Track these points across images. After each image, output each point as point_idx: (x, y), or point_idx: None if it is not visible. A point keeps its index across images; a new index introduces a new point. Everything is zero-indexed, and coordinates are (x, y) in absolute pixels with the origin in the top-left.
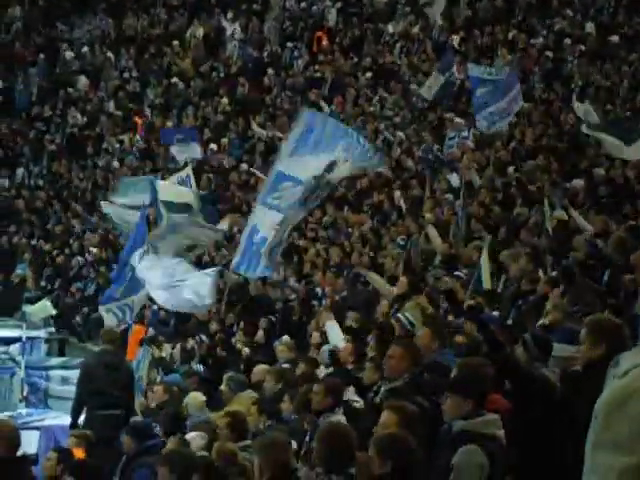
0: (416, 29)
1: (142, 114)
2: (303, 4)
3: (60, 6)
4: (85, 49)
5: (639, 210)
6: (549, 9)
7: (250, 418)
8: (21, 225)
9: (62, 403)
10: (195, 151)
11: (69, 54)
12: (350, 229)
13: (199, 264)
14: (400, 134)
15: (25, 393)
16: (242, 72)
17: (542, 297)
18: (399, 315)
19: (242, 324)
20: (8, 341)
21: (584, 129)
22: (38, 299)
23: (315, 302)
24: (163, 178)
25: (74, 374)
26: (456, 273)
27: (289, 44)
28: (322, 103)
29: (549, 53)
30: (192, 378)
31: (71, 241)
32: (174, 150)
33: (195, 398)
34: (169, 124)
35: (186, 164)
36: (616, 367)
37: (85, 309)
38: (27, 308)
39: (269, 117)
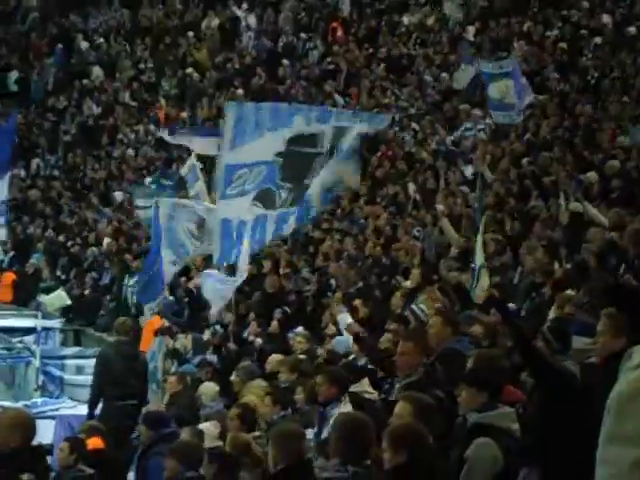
0: (431, 20)
1: (160, 105)
2: None
3: None
4: (101, 40)
5: None
6: (565, 0)
7: (265, 409)
8: (35, 215)
9: (78, 391)
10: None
11: (84, 44)
12: (365, 220)
13: None
14: (414, 125)
15: (40, 382)
16: (257, 63)
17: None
18: (413, 307)
19: (255, 315)
20: (23, 331)
21: None
22: (53, 289)
23: (329, 294)
24: (178, 168)
25: (89, 363)
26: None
27: (303, 35)
28: (336, 96)
29: (564, 45)
30: (206, 368)
31: (86, 232)
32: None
33: (209, 388)
34: (183, 115)
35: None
36: (629, 360)
37: (105, 299)
38: (42, 298)
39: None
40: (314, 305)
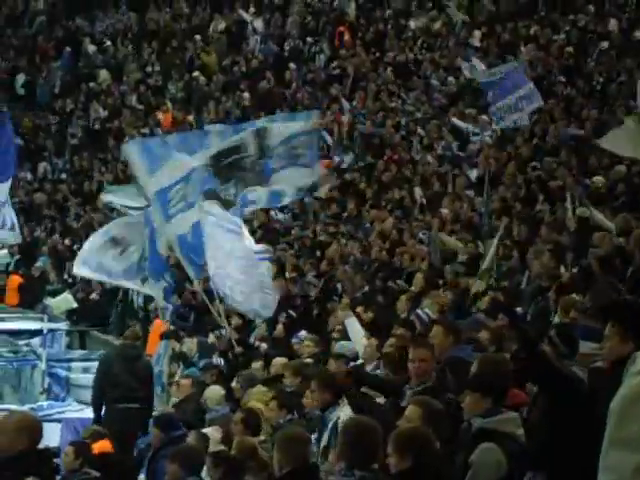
0: (438, 25)
1: (164, 108)
2: None
3: (83, 0)
4: (108, 43)
5: None
6: (572, 5)
7: (270, 413)
8: (42, 218)
9: (84, 392)
10: None
11: (92, 48)
12: (370, 224)
13: None
14: (420, 131)
15: (46, 385)
16: (263, 67)
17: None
18: (418, 311)
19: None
20: (29, 333)
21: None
22: (59, 292)
23: (335, 298)
24: None
25: (95, 365)
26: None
27: (310, 39)
28: (343, 101)
29: (571, 49)
30: (210, 371)
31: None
32: None
33: (214, 392)
34: (190, 118)
35: None
36: (633, 364)
37: (115, 301)
38: (48, 301)
39: (290, 112)
40: (319, 309)
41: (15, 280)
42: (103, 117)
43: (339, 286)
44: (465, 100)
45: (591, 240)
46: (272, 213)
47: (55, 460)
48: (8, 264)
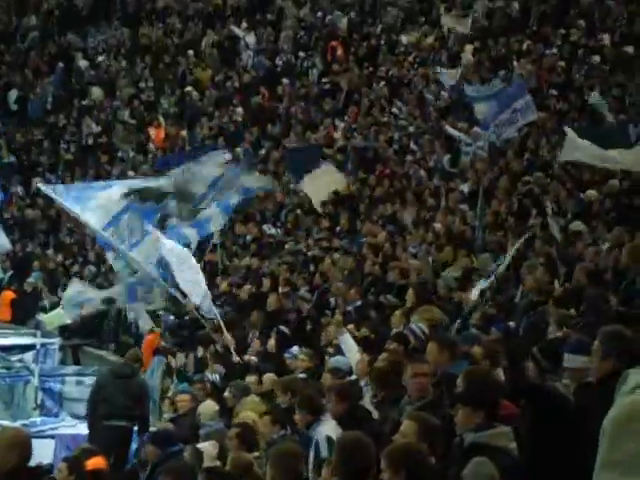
0: (430, 39)
1: (156, 124)
2: (318, 14)
3: (76, 15)
4: (100, 58)
5: None
6: (564, 19)
7: (264, 428)
8: (35, 234)
9: (78, 405)
10: None
11: (84, 63)
12: (364, 239)
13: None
14: (413, 146)
15: (39, 400)
16: (256, 82)
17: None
18: (412, 326)
19: (256, 334)
20: (22, 349)
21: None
22: (52, 308)
23: (328, 312)
24: None
25: (89, 379)
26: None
27: (302, 53)
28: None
29: (563, 63)
30: (200, 385)
31: (85, 251)
32: None
33: (208, 407)
34: (183, 133)
35: None
36: (625, 383)
37: (111, 315)
38: (41, 316)
39: (283, 127)
40: (313, 324)
41: (8, 295)
42: (96, 132)
43: (332, 300)
44: (458, 114)
45: (582, 254)
46: (265, 227)
47: (50, 476)
48: (1, 280)
